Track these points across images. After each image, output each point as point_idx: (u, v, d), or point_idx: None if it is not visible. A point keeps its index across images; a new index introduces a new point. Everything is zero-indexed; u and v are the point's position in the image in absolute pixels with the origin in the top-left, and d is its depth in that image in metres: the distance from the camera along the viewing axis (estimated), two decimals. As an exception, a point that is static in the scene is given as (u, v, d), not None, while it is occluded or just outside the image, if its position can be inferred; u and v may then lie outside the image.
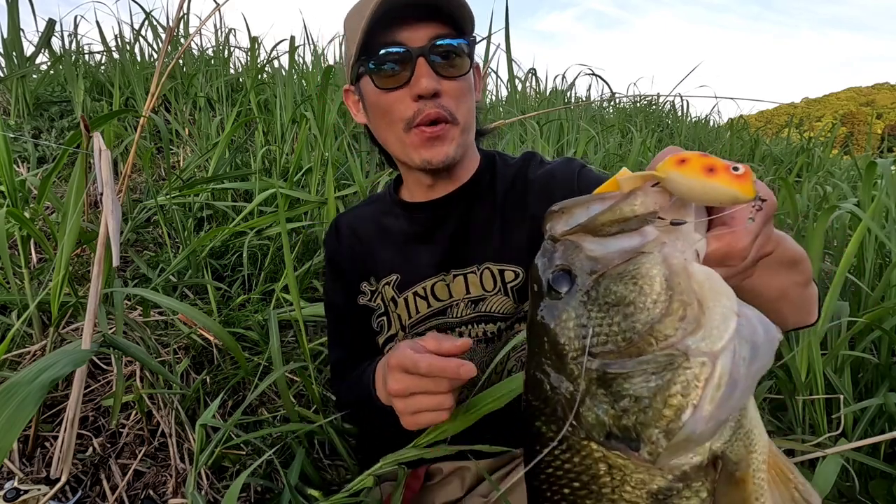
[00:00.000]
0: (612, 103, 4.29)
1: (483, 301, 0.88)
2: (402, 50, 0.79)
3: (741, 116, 4.50)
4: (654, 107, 4.48)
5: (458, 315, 0.89)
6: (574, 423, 0.37)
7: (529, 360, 0.42)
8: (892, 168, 1.56)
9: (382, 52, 0.79)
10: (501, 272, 0.88)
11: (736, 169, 0.35)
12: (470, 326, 0.89)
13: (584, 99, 4.14)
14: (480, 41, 2.61)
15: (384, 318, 0.93)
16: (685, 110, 4.40)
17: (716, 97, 6.21)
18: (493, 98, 3.68)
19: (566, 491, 0.40)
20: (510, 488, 0.87)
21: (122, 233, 1.58)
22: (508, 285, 0.87)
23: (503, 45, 2.90)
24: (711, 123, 4.67)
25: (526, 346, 0.86)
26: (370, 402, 0.78)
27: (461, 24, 0.81)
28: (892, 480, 1.10)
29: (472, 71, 0.85)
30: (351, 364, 0.96)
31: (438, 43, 0.79)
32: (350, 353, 0.97)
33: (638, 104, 4.32)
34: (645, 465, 0.36)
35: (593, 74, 4.01)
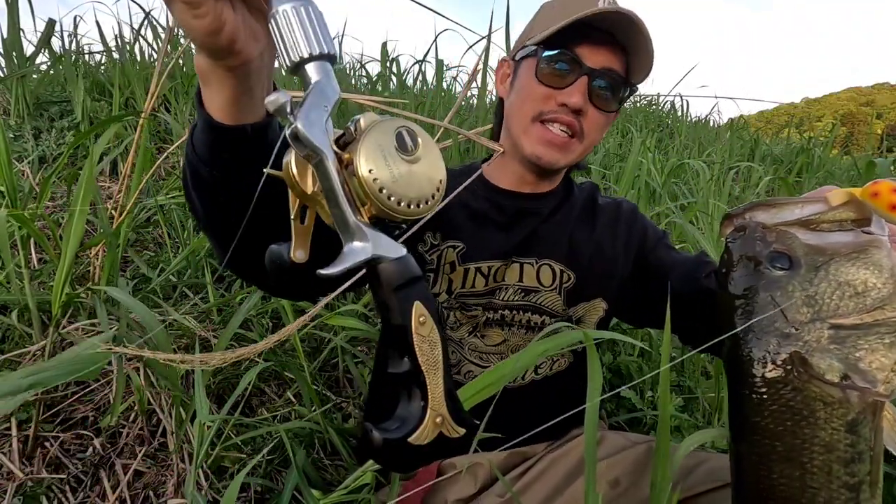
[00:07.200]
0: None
1: (537, 293, 0.92)
2: (575, 63, 0.85)
3: (741, 116, 4.51)
4: (654, 107, 4.48)
5: (506, 299, 0.92)
6: (801, 368, 0.48)
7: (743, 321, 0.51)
8: (892, 168, 1.56)
9: (560, 53, 0.85)
10: (562, 273, 0.94)
11: None
12: (515, 312, 0.92)
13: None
14: (480, 40, 2.61)
15: (432, 274, 0.92)
16: (685, 110, 4.40)
17: (716, 97, 6.23)
18: (493, 98, 3.67)
19: (789, 423, 0.50)
20: (523, 488, 0.87)
21: (122, 233, 1.58)
22: (564, 286, 0.93)
23: (503, 45, 2.90)
24: (711, 123, 4.67)
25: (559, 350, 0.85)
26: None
27: (636, 68, 0.88)
28: (892, 480, 1.10)
29: (617, 111, 0.92)
30: None
31: (606, 74, 0.86)
32: None
33: (638, 104, 4.32)
34: (870, 400, 0.47)
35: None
